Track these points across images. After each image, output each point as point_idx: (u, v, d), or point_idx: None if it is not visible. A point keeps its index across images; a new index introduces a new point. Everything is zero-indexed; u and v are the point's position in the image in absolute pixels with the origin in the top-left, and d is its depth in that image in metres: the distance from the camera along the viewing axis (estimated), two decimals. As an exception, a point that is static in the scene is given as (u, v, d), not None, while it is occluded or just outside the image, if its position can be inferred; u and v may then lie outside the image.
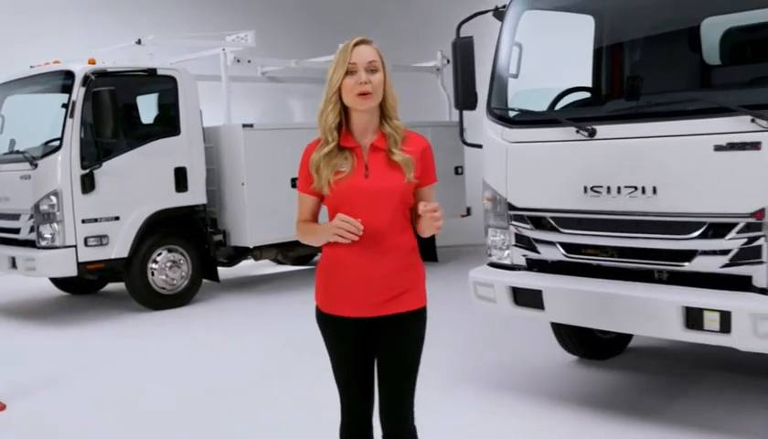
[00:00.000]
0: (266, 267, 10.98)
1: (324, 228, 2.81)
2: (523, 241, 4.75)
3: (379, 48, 2.83)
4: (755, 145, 3.75)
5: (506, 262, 4.86)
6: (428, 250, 8.92)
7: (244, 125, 8.77)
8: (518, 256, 4.79)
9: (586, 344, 5.55)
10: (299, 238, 2.97)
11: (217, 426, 4.76)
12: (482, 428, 4.51)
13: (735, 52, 5.31)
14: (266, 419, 4.85)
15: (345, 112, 2.83)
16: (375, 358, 2.90)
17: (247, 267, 10.45)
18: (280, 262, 11.01)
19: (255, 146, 8.81)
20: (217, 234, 8.91)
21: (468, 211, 10.56)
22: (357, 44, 2.79)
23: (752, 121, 3.75)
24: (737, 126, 3.81)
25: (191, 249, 8.56)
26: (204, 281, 8.81)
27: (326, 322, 2.91)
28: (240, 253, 9.36)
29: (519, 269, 4.79)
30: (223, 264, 9.31)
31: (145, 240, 8.16)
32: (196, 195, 8.54)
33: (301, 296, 8.71)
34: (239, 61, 9.17)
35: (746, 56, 5.30)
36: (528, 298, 4.57)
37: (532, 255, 4.72)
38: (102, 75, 7.85)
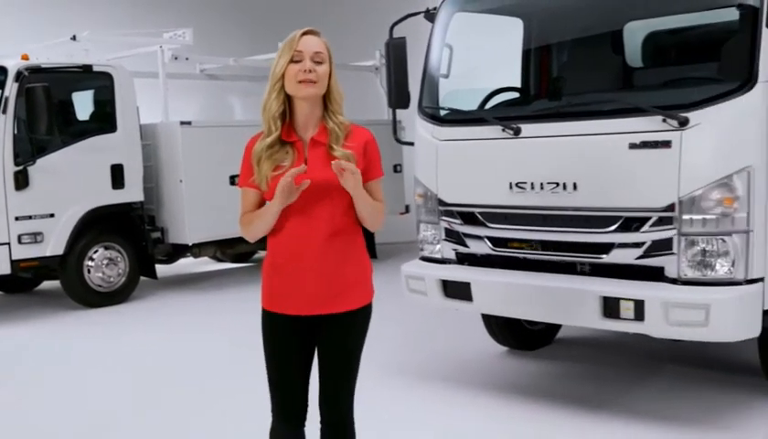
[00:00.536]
0: (205, 264, 10.97)
1: (268, 206, 2.74)
2: (453, 236, 4.91)
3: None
4: (666, 144, 3.97)
5: (437, 256, 5.01)
6: (367, 246, 9.03)
7: (182, 122, 8.77)
8: (449, 250, 4.95)
9: (516, 335, 5.75)
10: (245, 232, 2.87)
11: (156, 425, 4.78)
12: (415, 418, 4.64)
13: (656, 55, 5.57)
14: (206, 416, 4.89)
15: (288, 103, 2.78)
16: (314, 354, 2.89)
17: (186, 265, 10.43)
18: (219, 260, 11.02)
19: (193, 143, 8.82)
20: (155, 231, 8.89)
21: (407, 209, 10.70)
22: (305, 33, 2.75)
23: (664, 121, 3.97)
24: (650, 126, 4.02)
25: (128, 246, 8.53)
26: (142, 278, 8.78)
27: (272, 322, 2.85)
28: (179, 251, 9.33)
29: (450, 263, 4.95)
30: (162, 262, 9.28)
31: (81, 238, 8.10)
32: (133, 192, 8.51)
33: (240, 294, 8.80)
34: (176, 59, 9.16)
35: (665, 58, 5.57)
36: (457, 291, 4.73)
37: (462, 249, 4.88)
38: (36, 71, 7.77)
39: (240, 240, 9.63)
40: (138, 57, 9.34)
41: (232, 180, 9.17)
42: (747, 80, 3.85)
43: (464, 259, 4.90)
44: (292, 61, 2.72)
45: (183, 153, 8.74)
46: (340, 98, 2.82)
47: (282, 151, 2.77)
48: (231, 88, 12.28)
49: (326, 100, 2.80)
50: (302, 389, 2.88)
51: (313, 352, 2.91)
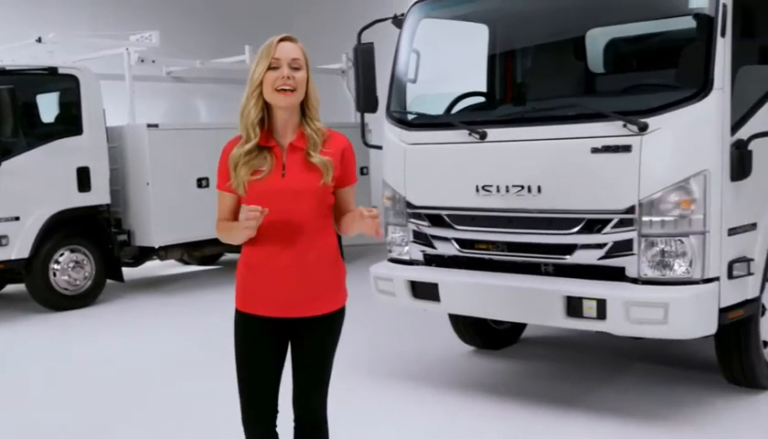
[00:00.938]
0: (171, 267, 10.95)
1: (237, 225, 2.80)
2: (421, 238, 5.01)
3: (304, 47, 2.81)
4: (627, 148, 4.12)
5: (405, 257, 5.11)
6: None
7: (149, 125, 8.76)
8: (417, 252, 5.05)
9: (482, 335, 5.87)
10: (220, 237, 2.92)
11: (122, 429, 4.78)
12: (384, 418, 4.72)
13: (616, 61, 5.74)
14: (173, 419, 4.92)
15: (267, 108, 2.81)
16: (286, 355, 2.93)
17: (152, 268, 10.39)
18: (185, 263, 11.00)
19: (160, 146, 8.81)
20: (121, 234, 8.86)
21: (373, 212, 10.78)
22: (282, 40, 2.78)
23: (624, 126, 4.12)
24: (611, 130, 4.17)
25: (94, 249, 8.49)
26: (109, 281, 8.75)
27: (245, 322, 2.88)
28: (145, 253, 9.31)
29: (417, 264, 5.05)
30: (128, 265, 9.26)
31: (47, 241, 8.05)
32: (99, 195, 8.48)
33: (207, 296, 8.83)
34: (143, 61, 9.15)
35: (626, 65, 5.74)
36: (425, 291, 4.83)
37: (429, 251, 4.99)
38: (1, 73, 7.72)
39: (207, 242, 9.75)
40: (105, 59, 9.31)
41: (199, 183, 9.21)
42: (703, 88, 4.02)
43: (432, 260, 5.01)
44: (270, 68, 2.76)
45: (150, 155, 8.73)
46: (317, 103, 2.86)
47: (260, 156, 2.80)
48: (196, 90, 12.26)
49: (304, 106, 2.84)
50: (273, 389, 2.93)
51: (285, 353, 2.95)
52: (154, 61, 9.43)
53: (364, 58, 5.34)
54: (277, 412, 2.96)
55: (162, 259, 9.67)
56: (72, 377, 5.90)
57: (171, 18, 12.72)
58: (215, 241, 9.63)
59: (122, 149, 8.90)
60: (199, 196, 9.18)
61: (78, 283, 8.31)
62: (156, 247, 9.05)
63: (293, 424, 3.00)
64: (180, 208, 8.92)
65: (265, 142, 2.82)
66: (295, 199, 2.79)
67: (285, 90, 2.75)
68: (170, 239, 9.06)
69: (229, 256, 11.33)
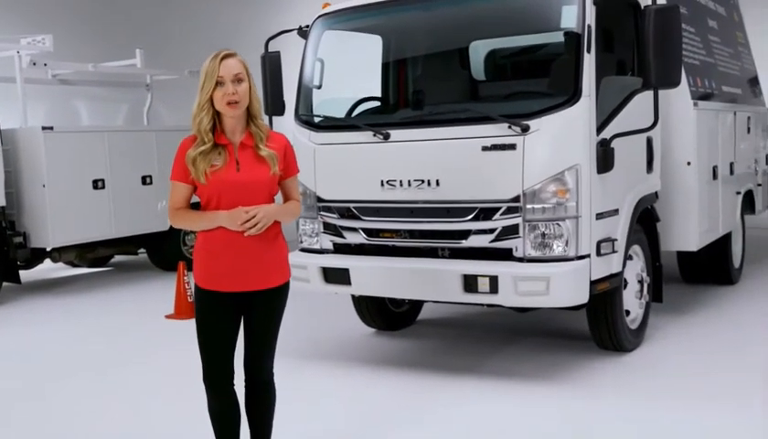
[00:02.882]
0: (63, 270, 10.95)
1: (216, 217, 3.22)
2: (330, 229, 5.53)
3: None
4: (512, 146, 4.80)
5: (316, 247, 5.62)
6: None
7: (44, 128, 8.82)
8: (327, 241, 5.56)
9: (383, 317, 6.44)
10: (177, 222, 3.34)
11: (24, 430, 4.85)
12: (299, 395, 5.11)
13: (496, 70, 6.45)
14: (84, 413, 5.10)
15: (217, 114, 3.26)
16: (240, 324, 3.40)
17: (43, 270, 10.38)
18: (74, 265, 11.02)
19: (56, 148, 8.90)
20: (17, 236, 8.88)
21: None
22: (224, 57, 3.20)
23: (509, 127, 4.80)
24: (498, 131, 4.83)
25: (-10, 251, 8.51)
26: (5, 284, 8.75)
27: (206, 297, 3.32)
28: (38, 256, 9.35)
29: (327, 252, 5.57)
30: (21, 267, 9.25)
31: (-58, 244, 8.02)
32: (-7, 197, 8.50)
33: (104, 295, 8.98)
34: (35, 64, 9.19)
35: (508, 74, 6.46)
36: (336, 276, 5.36)
37: (338, 240, 5.51)
38: None
39: (101, 243, 9.87)
40: (-5, 62, 9.28)
41: (95, 184, 9.33)
42: (573, 95, 4.75)
43: (341, 249, 5.53)
44: (216, 85, 3.22)
45: (46, 158, 8.80)
46: (258, 105, 3.34)
47: (215, 152, 3.26)
48: (78, 93, 12.24)
49: (249, 109, 3.31)
50: (230, 353, 3.40)
51: (240, 322, 3.42)
52: (45, 64, 9.47)
53: (271, 66, 5.83)
54: (233, 372, 3.42)
55: (55, 261, 9.71)
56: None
57: (64, 23, 12.65)
58: (109, 243, 9.84)
59: (15, 152, 8.91)
60: (95, 197, 9.33)
61: (-26, 285, 8.29)
62: (51, 248, 9.13)
63: (244, 385, 3.48)
64: (76, 210, 9.07)
65: (218, 140, 3.28)
66: (250, 189, 3.25)
67: (232, 102, 3.23)
68: (66, 240, 9.18)
69: (118, 259, 11.42)
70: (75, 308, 8.48)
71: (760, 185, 8.43)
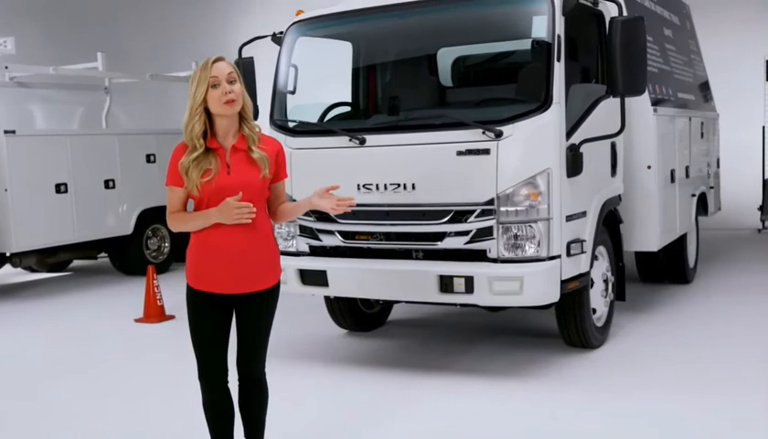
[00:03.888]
0: (23, 275, 10.82)
1: (209, 214, 3.28)
2: (306, 232, 5.63)
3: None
4: (486, 151, 4.97)
5: (292, 249, 5.71)
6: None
7: (6, 131, 8.74)
8: (303, 244, 5.66)
9: (355, 318, 6.56)
10: (174, 225, 3.40)
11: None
12: (277, 391, 5.26)
13: (462, 77, 6.62)
14: (72, 415, 5.18)
15: (209, 119, 3.33)
16: (231, 323, 3.48)
17: (5, 275, 10.26)
18: (32, 270, 10.90)
19: (18, 152, 8.82)
20: (-22, 241, 8.78)
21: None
22: (215, 61, 3.29)
23: (483, 133, 4.96)
24: (473, 137, 5.00)
25: (-49, 257, 8.39)
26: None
27: (197, 298, 3.40)
28: (-1, 260, 9.27)
29: (304, 255, 5.67)
30: (-19, 272, 9.17)
31: None
32: (-45, 202, 8.39)
33: (68, 300, 8.92)
34: (-6, 67, 9.11)
35: (476, 80, 6.63)
36: (314, 278, 5.47)
37: (314, 243, 5.62)
38: None
39: (61, 249, 9.78)
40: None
41: (58, 188, 9.26)
42: (545, 102, 4.94)
43: (317, 251, 5.64)
44: (211, 87, 3.29)
45: (8, 161, 8.71)
46: (250, 108, 3.42)
47: (207, 158, 3.33)
48: (33, 95, 12.07)
49: (241, 112, 3.38)
50: (223, 352, 3.48)
51: (231, 322, 3.51)
52: (7, 67, 9.38)
53: (245, 71, 5.89)
54: (227, 370, 3.51)
55: (15, 266, 9.62)
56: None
57: (25, 26, 12.48)
58: (70, 247, 9.77)
59: (-24, 155, 8.81)
60: (57, 201, 9.26)
61: (-65, 291, 8.17)
62: (11, 253, 9.04)
63: (237, 383, 3.57)
64: (39, 214, 9.00)
65: (210, 144, 3.35)
66: (241, 192, 3.30)
67: (230, 100, 3.29)
68: (28, 244, 9.09)
69: (77, 263, 11.33)
70: (42, 313, 8.42)
71: (712, 187, 8.78)
